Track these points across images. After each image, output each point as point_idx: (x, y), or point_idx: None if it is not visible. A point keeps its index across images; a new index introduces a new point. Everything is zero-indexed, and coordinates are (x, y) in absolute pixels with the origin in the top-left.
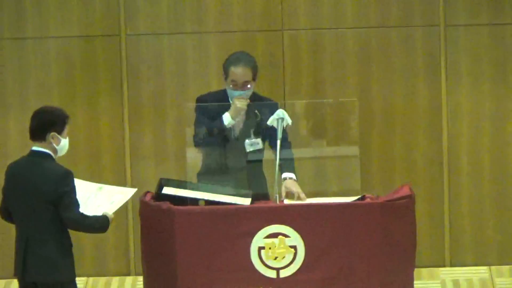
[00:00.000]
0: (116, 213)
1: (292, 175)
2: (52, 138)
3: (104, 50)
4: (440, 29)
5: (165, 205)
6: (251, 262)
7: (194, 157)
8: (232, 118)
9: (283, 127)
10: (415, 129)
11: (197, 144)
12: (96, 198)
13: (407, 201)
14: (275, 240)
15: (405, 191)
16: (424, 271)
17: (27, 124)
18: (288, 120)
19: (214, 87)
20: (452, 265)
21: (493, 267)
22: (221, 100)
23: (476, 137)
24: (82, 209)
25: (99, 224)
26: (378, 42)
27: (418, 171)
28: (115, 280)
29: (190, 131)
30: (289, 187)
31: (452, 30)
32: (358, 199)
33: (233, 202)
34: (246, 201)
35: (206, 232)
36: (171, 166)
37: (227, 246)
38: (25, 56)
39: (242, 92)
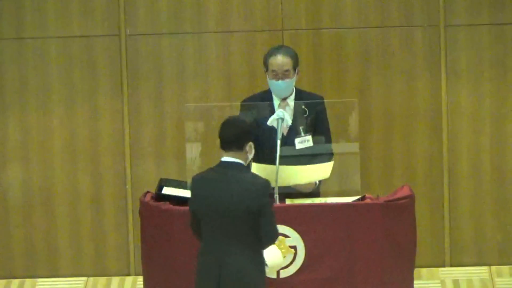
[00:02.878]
0: (117, 213)
1: None
2: (249, 147)
3: (104, 50)
4: (440, 29)
5: (165, 205)
6: None
7: (194, 153)
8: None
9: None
10: (415, 129)
11: None
12: None
13: (407, 201)
14: None
15: (405, 191)
16: (424, 271)
17: (27, 124)
18: (288, 121)
19: (214, 87)
20: (452, 265)
21: (493, 267)
22: (267, 100)
23: (476, 137)
24: None
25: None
26: (378, 42)
27: (418, 171)
28: (115, 280)
29: (190, 131)
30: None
31: (452, 30)
32: (358, 199)
33: None
34: None
35: None
36: (171, 166)
37: None
38: (25, 56)
39: (283, 81)
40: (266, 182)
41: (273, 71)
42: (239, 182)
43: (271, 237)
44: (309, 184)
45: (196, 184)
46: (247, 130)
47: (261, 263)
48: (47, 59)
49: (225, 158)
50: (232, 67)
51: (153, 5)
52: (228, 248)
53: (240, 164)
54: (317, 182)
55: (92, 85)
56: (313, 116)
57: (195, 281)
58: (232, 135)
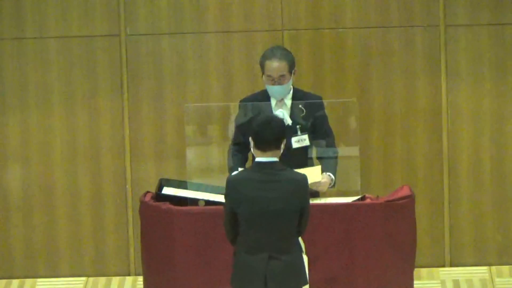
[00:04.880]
0: (116, 213)
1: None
2: (284, 144)
3: (104, 50)
4: (440, 29)
5: (165, 205)
6: None
7: (194, 156)
8: None
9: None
10: (415, 129)
11: (230, 152)
12: None
13: (407, 201)
14: None
15: (405, 191)
16: (424, 271)
17: (27, 124)
18: (288, 121)
19: (214, 87)
20: (452, 265)
21: (493, 267)
22: (264, 100)
23: (476, 137)
24: None
25: None
26: (378, 42)
27: (418, 171)
28: (115, 280)
29: (190, 131)
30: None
31: (452, 30)
32: (358, 199)
33: None
34: None
35: (205, 232)
36: (171, 166)
37: (226, 247)
38: (25, 56)
39: (279, 86)
40: (306, 178)
41: (269, 76)
42: (284, 182)
43: (304, 230)
44: (324, 183)
45: (238, 186)
46: (283, 129)
47: (303, 259)
48: (47, 59)
49: (262, 159)
50: (232, 67)
51: (153, 5)
52: (279, 246)
53: (277, 162)
54: (333, 180)
55: (92, 85)
56: (312, 120)
57: (236, 278)
58: (272, 136)
